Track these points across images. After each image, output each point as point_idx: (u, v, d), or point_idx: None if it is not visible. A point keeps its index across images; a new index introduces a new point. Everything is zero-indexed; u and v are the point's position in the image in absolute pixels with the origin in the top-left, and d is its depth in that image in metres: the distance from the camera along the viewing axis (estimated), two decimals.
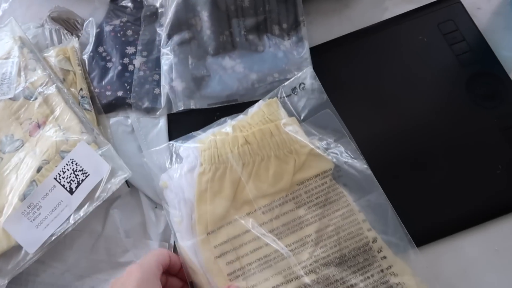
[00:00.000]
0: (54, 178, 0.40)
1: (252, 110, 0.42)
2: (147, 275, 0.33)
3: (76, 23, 0.51)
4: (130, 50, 0.48)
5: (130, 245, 0.42)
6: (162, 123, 0.45)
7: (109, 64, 0.48)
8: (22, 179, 0.41)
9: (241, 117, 0.42)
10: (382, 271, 0.36)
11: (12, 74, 0.45)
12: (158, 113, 0.45)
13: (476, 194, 0.40)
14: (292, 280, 0.36)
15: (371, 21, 0.47)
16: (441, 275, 0.38)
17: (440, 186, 0.40)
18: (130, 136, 0.45)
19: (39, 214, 0.39)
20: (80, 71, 0.47)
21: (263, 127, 0.39)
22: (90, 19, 0.50)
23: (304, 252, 0.37)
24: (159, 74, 0.46)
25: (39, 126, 0.43)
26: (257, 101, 0.42)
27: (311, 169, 0.38)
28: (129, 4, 0.50)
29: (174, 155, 0.41)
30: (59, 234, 0.39)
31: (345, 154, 0.39)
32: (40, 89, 0.44)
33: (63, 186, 0.40)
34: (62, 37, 0.50)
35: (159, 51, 0.47)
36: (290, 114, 0.41)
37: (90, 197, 0.40)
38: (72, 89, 0.46)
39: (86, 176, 0.40)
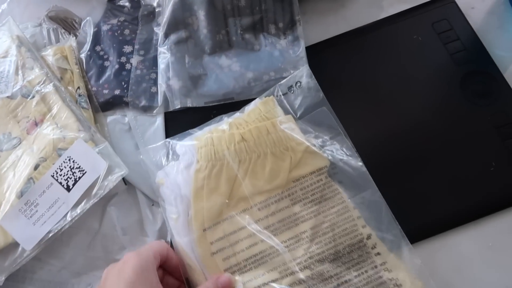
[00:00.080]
0: (51, 175, 0.40)
1: (249, 108, 0.42)
2: (145, 263, 0.32)
3: (73, 22, 0.51)
4: (127, 49, 0.48)
5: (127, 242, 0.42)
6: (159, 121, 0.45)
7: (106, 63, 0.48)
8: (20, 177, 0.41)
9: (237, 115, 0.42)
10: (376, 267, 0.36)
11: (10, 73, 0.46)
12: (155, 111, 0.46)
13: (470, 191, 0.40)
14: (287, 276, 0.36)
15: (366, 20, 0.48)
16: (436, 271, 0.39)
17: (434, 183, 0.41)
18: (127, 134, 0.46)
19: (36, 211, 0.40)
20: (78, 70, 0.47)
21: (260, 125, 0.39)
22: (88, 18, 0.50)
23: (299, 249, 0.37)
24: (156, 73, 0.47)
25: (36, 124, 0.43)
26: (253, 99, 0.43)
27: (307, 166, 0.39)
28: (127, 4, 0.51)
29: (171, 153, 0.41)
30: (56, 231, 0.39)
31: (340, 152, 0.39)
32: (37, 88, 0.44)
33: (60, 183, 0.40)
34: (60, 36, 0.50)
35: (156, 50, 0.47)
36: (286, 112, 0.41)
37: (87, 194, 0.40)
38: (70, 88, 0.46)
39: (83, 174, 0.40)
